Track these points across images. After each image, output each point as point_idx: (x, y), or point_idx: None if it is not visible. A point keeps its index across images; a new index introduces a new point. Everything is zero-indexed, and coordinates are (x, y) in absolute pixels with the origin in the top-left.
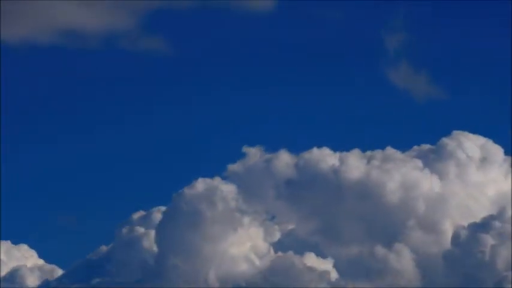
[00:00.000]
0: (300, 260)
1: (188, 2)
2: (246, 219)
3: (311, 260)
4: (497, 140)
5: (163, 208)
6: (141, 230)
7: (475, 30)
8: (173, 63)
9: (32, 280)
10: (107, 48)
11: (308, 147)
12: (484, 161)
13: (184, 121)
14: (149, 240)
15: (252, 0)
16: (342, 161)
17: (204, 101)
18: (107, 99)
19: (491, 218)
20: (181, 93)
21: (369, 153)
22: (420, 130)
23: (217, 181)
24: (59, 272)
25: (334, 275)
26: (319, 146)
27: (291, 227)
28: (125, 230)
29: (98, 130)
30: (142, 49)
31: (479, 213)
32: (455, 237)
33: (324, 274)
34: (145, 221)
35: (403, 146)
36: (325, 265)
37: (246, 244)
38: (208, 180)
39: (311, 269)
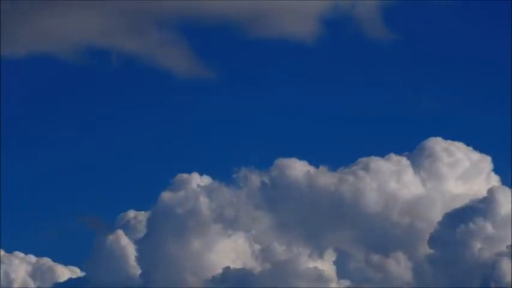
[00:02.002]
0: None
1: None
2: (227, 229)
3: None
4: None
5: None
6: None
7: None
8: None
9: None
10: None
11: (289, 155)
12: (469, 168)
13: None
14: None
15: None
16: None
17: (187, 110)
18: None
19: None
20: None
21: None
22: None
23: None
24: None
25: (331, 276)
26: (295, 155)
27: (272, 235)
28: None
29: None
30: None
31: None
32: (434, 238)
33: (320, 277)
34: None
35: (385, 152)
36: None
37: (231, 253)
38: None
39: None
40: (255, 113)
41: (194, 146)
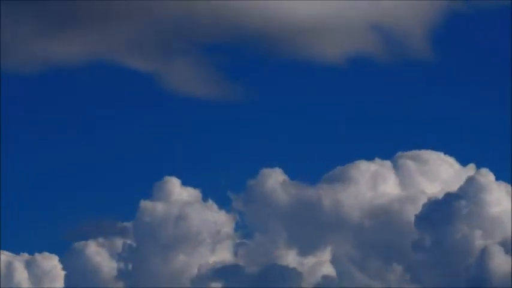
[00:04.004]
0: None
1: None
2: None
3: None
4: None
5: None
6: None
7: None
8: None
9: None
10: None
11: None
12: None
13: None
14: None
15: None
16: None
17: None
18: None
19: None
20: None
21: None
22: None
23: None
24: None
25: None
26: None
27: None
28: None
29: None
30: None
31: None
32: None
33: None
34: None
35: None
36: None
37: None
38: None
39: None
40: (250, 118)
41: (174, 152)
